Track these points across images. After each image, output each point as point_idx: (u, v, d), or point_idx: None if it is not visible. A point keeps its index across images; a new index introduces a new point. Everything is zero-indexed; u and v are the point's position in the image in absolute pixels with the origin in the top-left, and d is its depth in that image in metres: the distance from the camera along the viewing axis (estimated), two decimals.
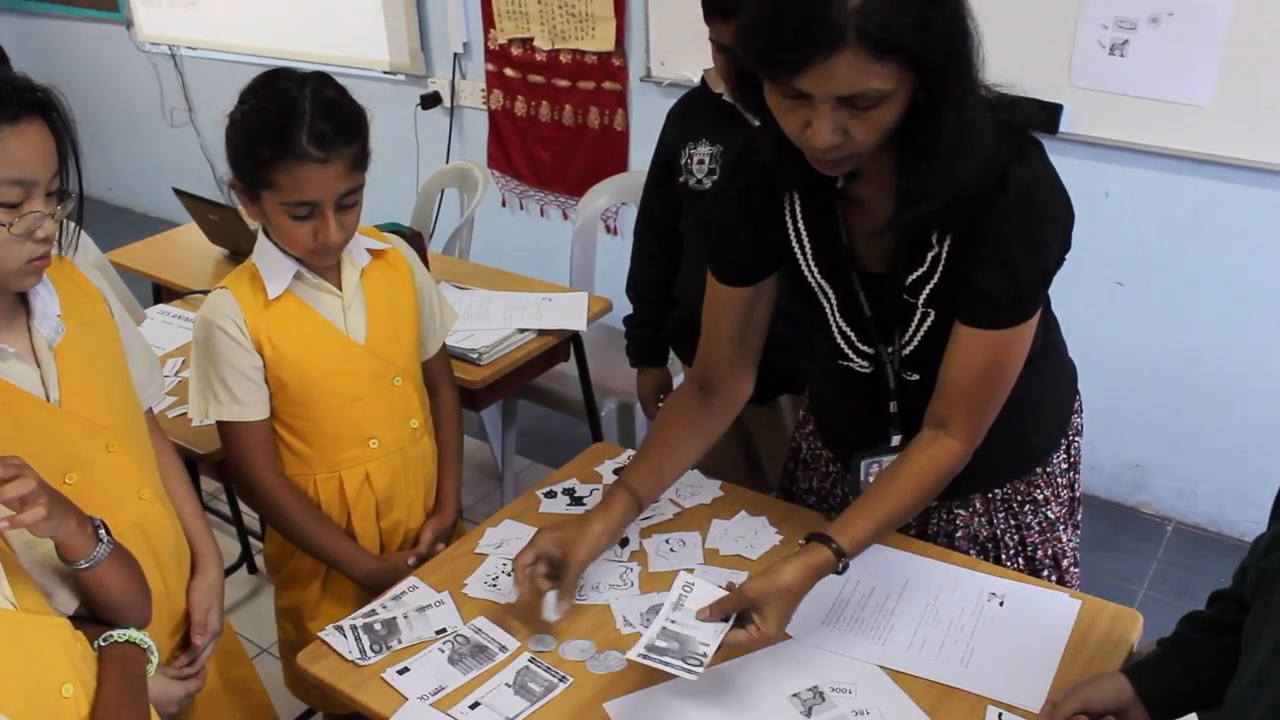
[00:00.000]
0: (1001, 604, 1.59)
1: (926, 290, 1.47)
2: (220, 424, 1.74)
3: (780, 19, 1.21)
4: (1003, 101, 1.36)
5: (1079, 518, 1.79)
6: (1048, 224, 1.39)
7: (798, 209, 1.54)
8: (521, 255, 3.96)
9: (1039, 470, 1.69)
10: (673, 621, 1.40)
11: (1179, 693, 1.32)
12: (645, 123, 3.80)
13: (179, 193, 2.95)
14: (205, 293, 2.69)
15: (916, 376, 1.56)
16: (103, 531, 1.26)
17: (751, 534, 1.76)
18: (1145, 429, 3.14)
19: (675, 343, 2.33)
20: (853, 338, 1.57)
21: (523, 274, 2.87)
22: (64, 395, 1.38)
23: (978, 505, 1.70)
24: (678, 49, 3.60)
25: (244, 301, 1.68)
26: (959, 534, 1.72)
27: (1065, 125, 2.90)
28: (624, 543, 1.74)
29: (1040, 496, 1.70)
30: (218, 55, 4.92)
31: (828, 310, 1.58)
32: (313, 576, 1.85)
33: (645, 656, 1.34)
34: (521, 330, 2.48)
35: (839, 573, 1.45)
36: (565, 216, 4.17)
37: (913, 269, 1.47)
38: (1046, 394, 1.67)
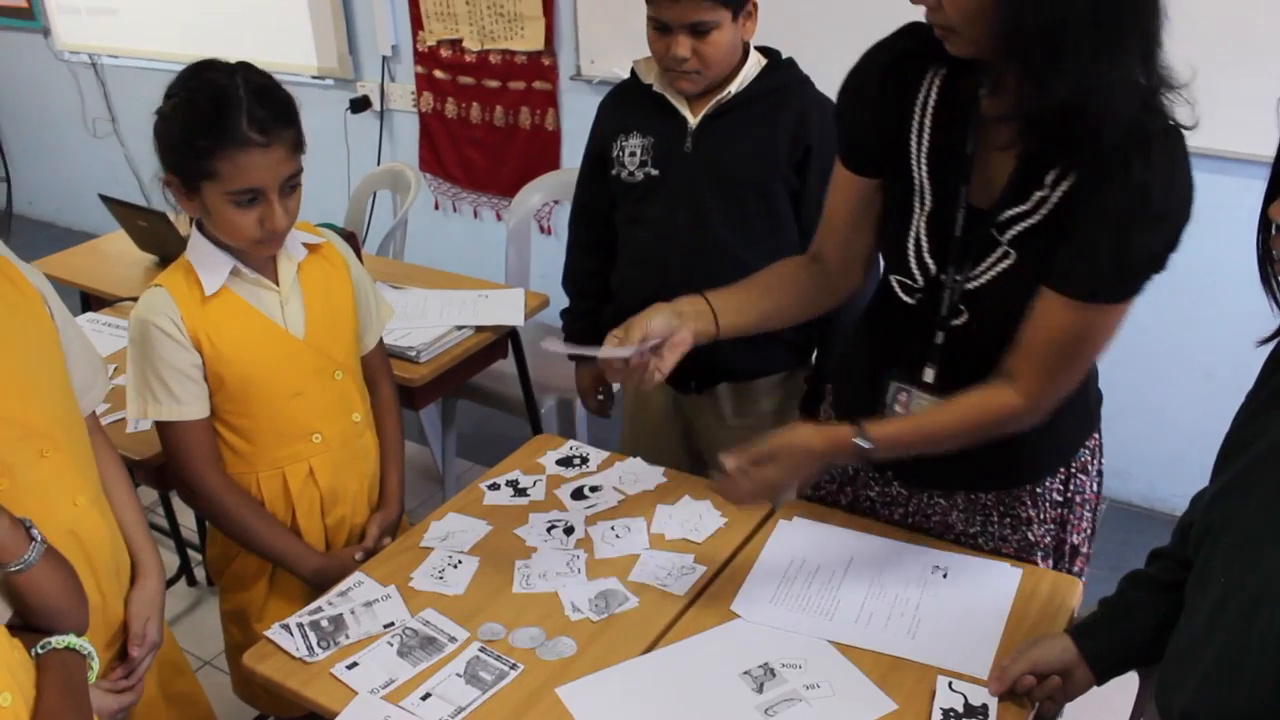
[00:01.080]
0: (945, 576, 1.62)
1: (1018, 229, 1.41)
2: (159, 425, 1.71)
3: None
4: (1164, 84, 1.30)
5: (1073, 568, 1.69)
6: (1174, 211, 1.32)
7: (930, 101, 1.48)
8: (456, 257, 3.95)
9: (1028, 487, 1.64)
10: None
11: (1121, 651, 1.36)
12: (576, 121, 3.80)
13: (106, 199, 2.90)
14: (136, 299, 2.67)
15: (965, 317, 1.49)
16: (35, 532, 1.23)
17: (696, 518, 1.77)
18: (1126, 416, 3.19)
19: None
20: (925, 252, 1.50)
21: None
22: None
23: (959, 500, 1.67)
24: (607, 47, 3.61)
25: (180, 299, 1.66)
26: (935, 519, 1.71)
27: None
28: (569, 531, 1.74)
29: (1024, 515, 1.65)
30: (140, 63, 4.84)
31: (916, 213, 1.50)
32: (258, 577, 1.82)
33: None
34: (459, 327, 2.47)
35: (861, 451, 1.45)
36: (499, 218, 4.16)
37: (1013, 204, 1.41)
38: (1060, 410, 1.51)
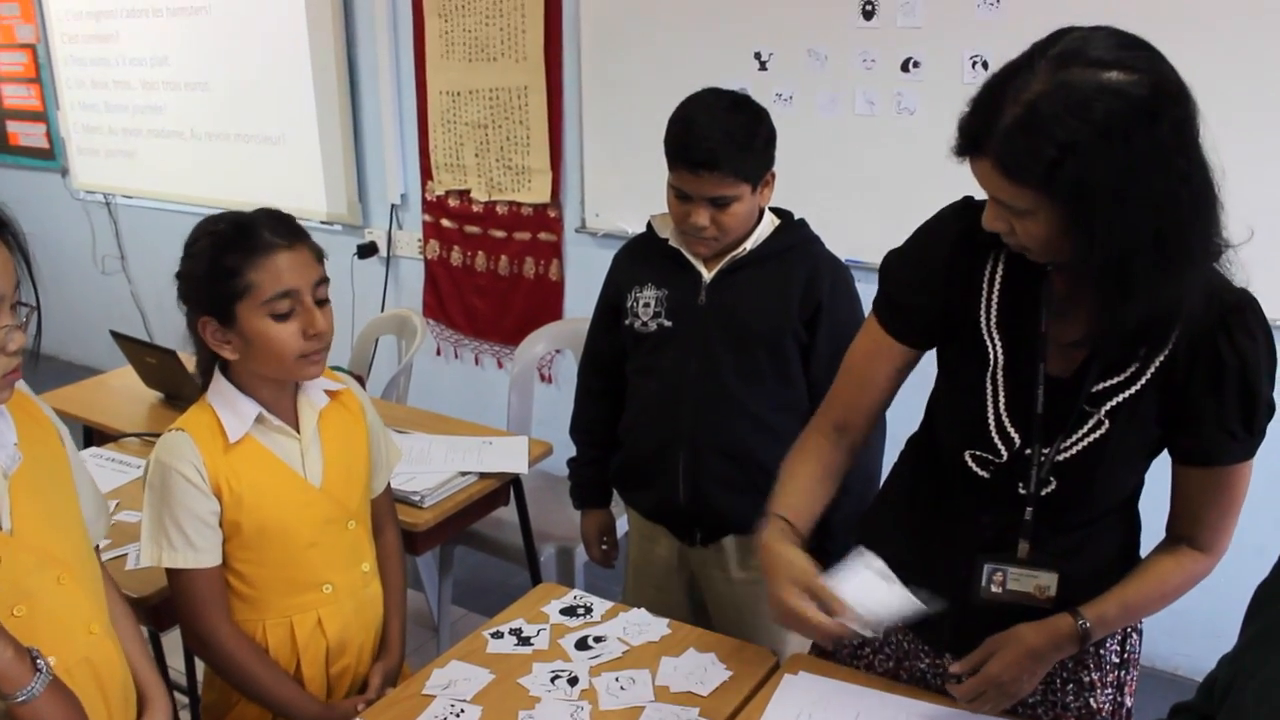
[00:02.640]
0: None
1: (1115, 401, 1.44)
2: (171, 571, 1.71)
3: (975, 102, 1.31)
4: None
5: None
6: (1271, 354, 1.41)
7: (998, 278, 1.51)
8: (457, 403, 3.99)
9: (1091, 650, 1.61)
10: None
11: None
12: (580, 272, 3.90)
13: (117, 335, 2.95)
14: (140, 435, 2.70)
15: (1053, 486, 1.49)
16: (41, 662, 1.23)
17: (701, 670, 1.77)
18: None
19: (620, 484, 2.34)
20: (1007, 425, 1.50)
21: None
22: (16, 524, 1.37)
23: (1024, 686, 1.58)
24: (612, 201, 3.73)
25: (203, 444, 1.68)
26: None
27: None
28: (573, 681, 1.73)
29: (1087, 680, 1.63)
30: (153, 204, 4.96)
31: (990, 391, 1.51)
32: None
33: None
34: (463, 473, 2.49)
35: (1080, 640, 1.49)
36: (500, 365, 4.21)
37: (1106, 378, 1.44)
38: (1118, 557, 1.58)
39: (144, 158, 4.98)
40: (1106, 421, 1.45)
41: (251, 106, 4.52)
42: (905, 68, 3.08)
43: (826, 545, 2.14)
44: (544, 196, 3.88)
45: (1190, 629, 2.87)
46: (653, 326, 2.13)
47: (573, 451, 2.43)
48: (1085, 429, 1.46)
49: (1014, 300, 1.49)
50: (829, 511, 2.15)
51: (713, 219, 1.99)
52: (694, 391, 2.08)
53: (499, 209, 4.00)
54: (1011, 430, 1.50)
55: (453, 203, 4.10)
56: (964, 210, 1.53)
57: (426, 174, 4.13)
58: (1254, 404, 1.40)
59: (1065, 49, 1.26)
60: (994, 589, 1.55)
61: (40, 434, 1.46)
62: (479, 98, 3.90)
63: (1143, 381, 1.43)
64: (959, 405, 1.56)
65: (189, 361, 2.65)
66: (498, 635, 1.87)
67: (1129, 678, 1.67)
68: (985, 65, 2.95)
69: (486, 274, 4.12)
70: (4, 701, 1.21)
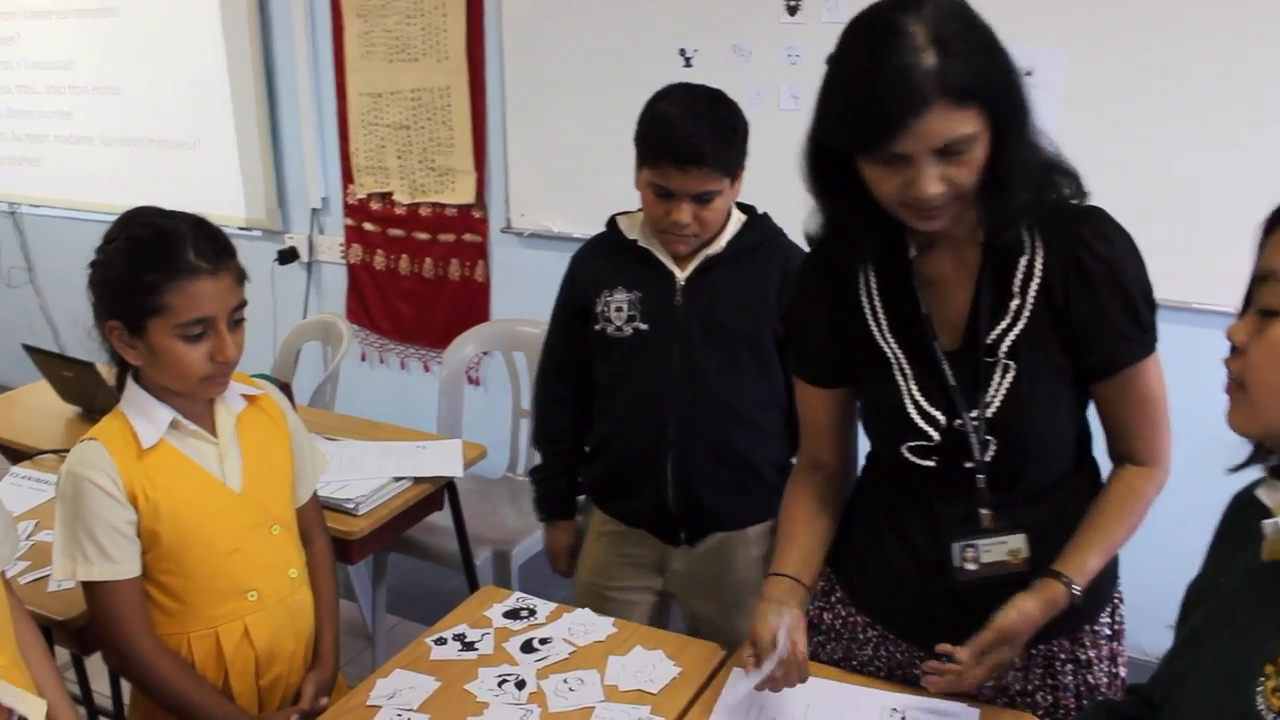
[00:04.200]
0: (903, 718, 1.59)
1: (1010, 340, 1.48)
2: (88, 585, 1.63)
3: (867, 95, 1.31)
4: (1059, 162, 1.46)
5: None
6: (1132, 252, 1.46)
7: (873, 287, 1.57)
8: (385, 409, 3.91)
9: (1086, 627, 1.62)
10: None
11: None
12: (507, 273, 3.86)
13: (30, 349, 2.83)
14: (58, 452, 2.60)
15: (994, 448, 1.51)
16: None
17: (650, 668, 1.73)
18: None
19: (599, 493, 2.26)
20: (926, 406, 1.53)
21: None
22: None
23: (1016, 660, 1.57)
24: (538, 200, 3.69)
25: (116, 452, 1.61)
26: (988, 683, 1.60)
27: None
28: (520, 685, 1.69)
29: (1084, 657, 1.62)
30: (62, 213, 4.80)
31: (901, 384, 1.55)
32: None
33: None
34: (397, 478, 2.43)
35: (1074, 602, 1.47)
36: (427, 369, 4.15)
37: (995, 323, 1.49)
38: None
39: (51, 165, 4.82)
40: (1012, 364, 1.49)
41: (165, 110, 4.39)
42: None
43: None
44: (468, 197, 3.82)
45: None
46: (628, 330, 2.08)
47: (505, 459, 2.37)
48: (997, 379, 1.50)
49: (892, 302, 1.56)
50: None
51: (695, 215, 1.96)
52: (678, 393, 2.03)
53: (423, 211, 3.93)
54: (933, 410, 1.53)
55: (375, 206, 4.03)
56: (819, 251, 1.62)
57: (348, 177, 4.05)
58: (1131, 301, 1.44)
59: (898, 4, 1.32)
60: (969, 566, 1.54)
61: None
62: (401, 99, 3.84)
63: (1027, 313, 1.47)
64: (880, 410, 1.60)
65: (108, 374, 2.58)
66: (441, 641, 1.82)
67: (1120, 648, 1.67)
68: None
69: (411, 277, 4.05)
70: None
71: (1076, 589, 1.47)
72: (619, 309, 2.08)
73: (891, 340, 1.56)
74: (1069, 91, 2.83)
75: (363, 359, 4.25)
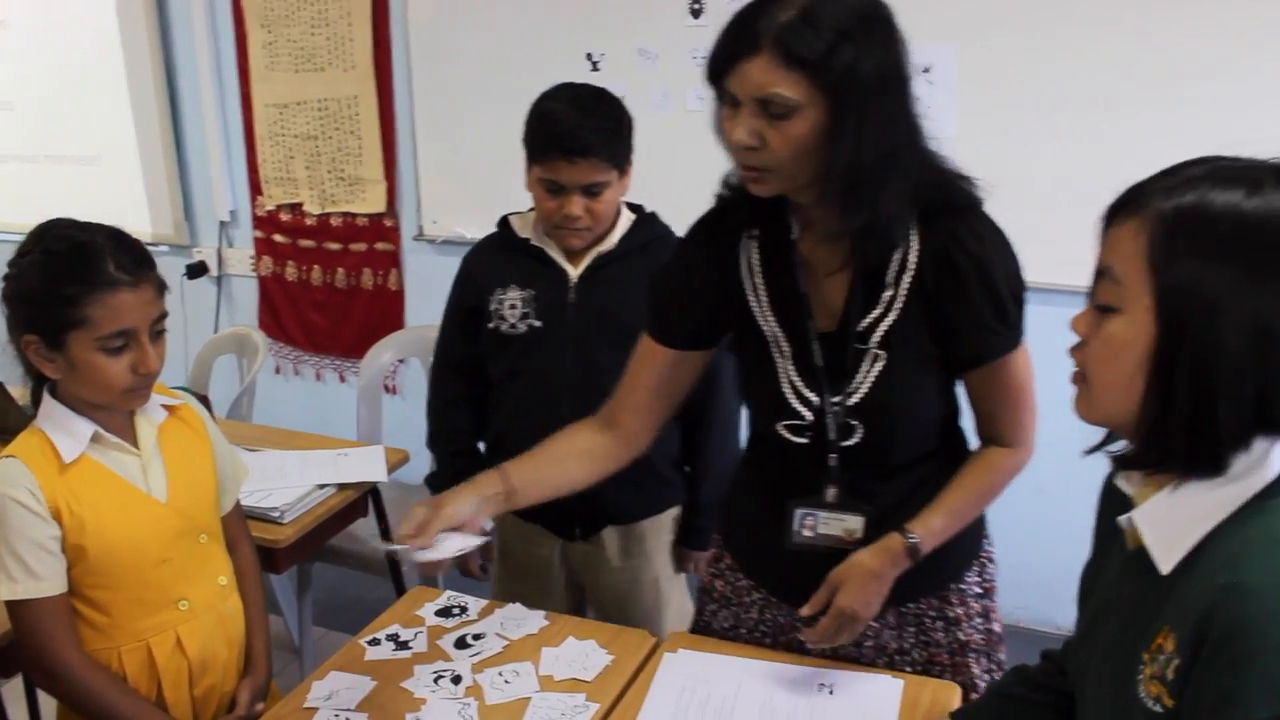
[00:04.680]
0: (832, 692, 1.65)
1: (881, 330, 1.54)
2: (13, 605, 1.61)
3: (726, 29, 1.41)
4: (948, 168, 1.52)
5: (1001, 657, 1.76)
6: (1008, 250, 1.53)
7: (755, 264, 1.61)
8: (302, 420, 3.86)
9: (952, 585, 1.71)
10: None
11: None
12: (420, 281, 3.86)
13: None
14: None
15: (860, 435, 1.57)
16: None
17: (583, 657, 1.77)
18: None
19: None
20: (801, 388, 1.59)
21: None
22: None
23: (890, 618, 1.70)
24: (449, 207, 3.71)
25: (36, 468, 1.59)
26: (868, 643, 1.72)
27: None
28: (457, 680, 1.72)
29: (953, 615, 1.71)
30: None
31: (779, 363, 1.61)
32: None
33: None
34: (321, 486, 2.43)
35: (911, 555, 1.55)
36: (342, 379, 4.13)
37: (867, 312, 1.54)
38: None
39: None
40: (883, 353, 1.55)
41: (63, 125, 4.29)
42: None
43: (696, 523, 2.20)
44: (379, 206, 3.82)
45: (1024, 583, 3.02)
46: (521, 328, 2.10)
47: (428, 465, 2.36)
48: (866, 366, 1.56)
49: (774, 281, 1.61)
50: (695, 493, 2.19)
51: (586, 208, 2.00)
52: (572, 390, 2.05)
53: (333, 221, 3.92)
54: (807, 392, 1.59)
55: (285, 217, 3.99)
56: (703, 225, 1.67)
57: (256, 189, 4.01)
58: (999, 298, 1.50)
59: None
60: (805, 533, 1.63)
61: None
62: (307, 109, 3.82)
63: (899, 304, 1.53)
64: (758, 387, 1.65)
65: (19, 393, 2.53)
66: (374, 642, 1.84)
67: (993, 605, 1.76)
68: None
69: (323, 287, 4.02)
70: None
71: (913, 538, 1.56)
72: (512, 306, 2.11)
73: (771, 319, 1.61)
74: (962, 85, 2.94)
75: (277, 371, 4.21)
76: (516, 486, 1.66)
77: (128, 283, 1.56)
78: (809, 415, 1.59)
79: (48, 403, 1.65)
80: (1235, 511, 1.01)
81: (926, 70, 2.92)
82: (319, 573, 3.02)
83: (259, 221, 4.06)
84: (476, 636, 1.84)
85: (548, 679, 1.72)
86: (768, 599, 1.77)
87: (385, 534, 2.69)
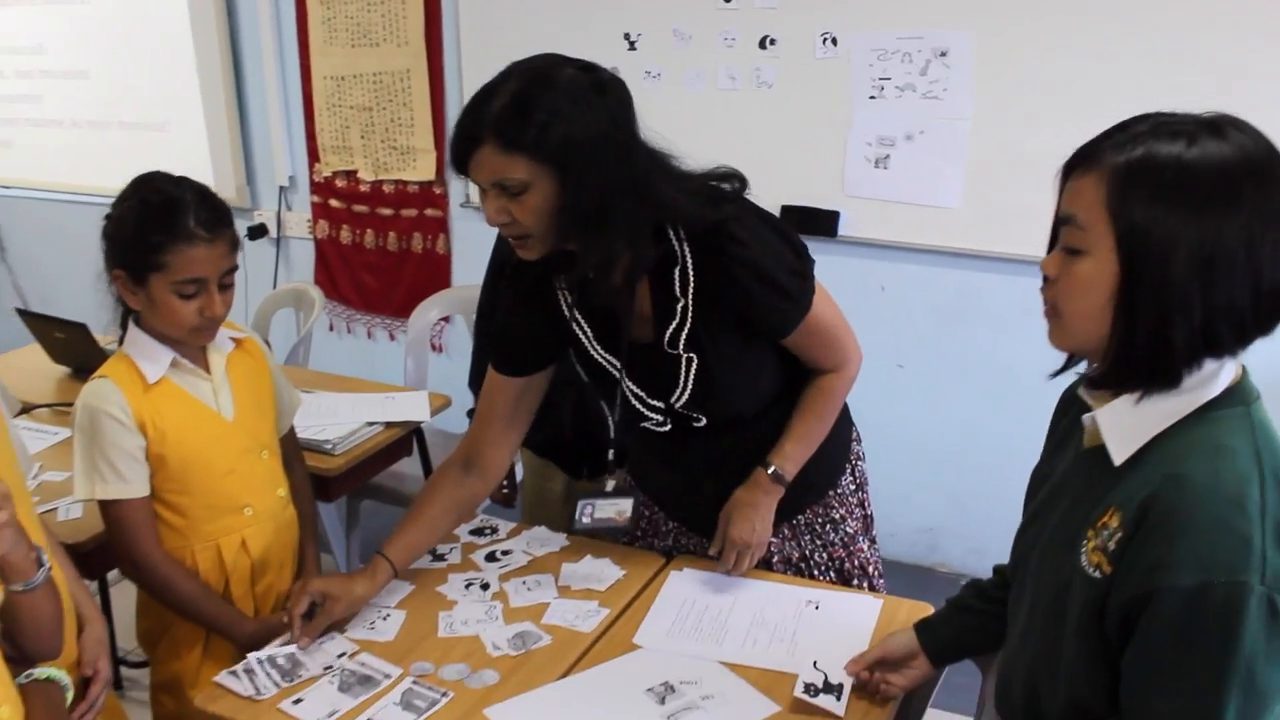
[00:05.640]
0: (817, 608, 1.86)
1: (683, 337, 1.76)
2: (104, 505, 1.85)
3: (456, 126, 1.60)
4: (712, 179, 1.74)
5: (874, 534, 2.08)
6: (768, 237, 1.74)
7: (570, 303, 1.83)
8: (352, 374, 4.12)
9: (831, 493, 2.00)
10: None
11: (954, 645, 1.64)
12: (467, 245, 4.08)
13: (23, 313, 3.03)
14: (52, 406, 2.80)
15: (702, 420, 1.86)
16: (44, 557, 1.38)
17: (599, 571, 1.98)
18: (934, 495, 3.53)
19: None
20: (644, 396, 1.85)
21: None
22: None
23: (785, 532, 1.99)
24: None
25: (125, 387, 1.83)
26: (775, 560, 2.00)
27: (843, 230, 3.33)
28: (485, 586, 1.94)
29: (837, 515, 2.01)
30: (35, 194, 4.96)
31: (623, 384, 1.85)
32: (193, 643, 1.95)
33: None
34: (370, 423, 2.67)
35: (777, 480, 1.87)
36: (392, 338, 4.37)
37: (667, 325, 1.76)
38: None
39: (21, 147, 4.96)
40: (695, 355, 1.78)
41: (134, 94, 4.57)
42: (763, 45, 3.35)
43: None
44: (429, 174, 4.05)
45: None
46: None
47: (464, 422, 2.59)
48: (683, 370, 1.79)
49: (592, 313, 1.83)
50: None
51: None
52: None
53: (386, 188, 4.15)
54: (651, 399, 1.85)
55: (340, 183, 4.24)
56: (514, 278, 1.85)
57: (314, 156, 4.26)
58: (776, 282, 1.72)
59: (529, 64, 1.60)
60: (585, 520, 1.94)
61: None
62: (363, 81, 4.05)
63: (692, 312, 1.75)
64: (610, 397, 1.90)
65: (100, 337, 2.79)
66: None
67: (866, 496, 2.08)
68: (835, 42, 3.23)
69: (375, 250, 4.27)
70: (9, 588, 1.36)
71: (771, 468, 1.87)
72: None
73: (600, 350, 1.84)
74: (979, 71, 3.10)
75: (330, 329, 4.46)
76: (399, 564, 1.89)
77: (204, 238, 1.78)
78: (658, 416, 1.87)
79: (133, 331, 1.88)
80: (1183, 418, 1.18)
81: (943, 55, 3.10)
82: (367, 517, 3.25)
83: (316, 187, 4.30)
84: (505, 552, 2.06)
85: (565, 588, 1.94)
86: (680, 528, 2.07)
87: (428, 472, 2.91)
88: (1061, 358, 1.33)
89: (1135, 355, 1.16)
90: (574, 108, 1.55)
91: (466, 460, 1.94)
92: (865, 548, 2.04)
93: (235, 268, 1.86)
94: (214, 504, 1.92)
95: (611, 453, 1.91)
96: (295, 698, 1.65)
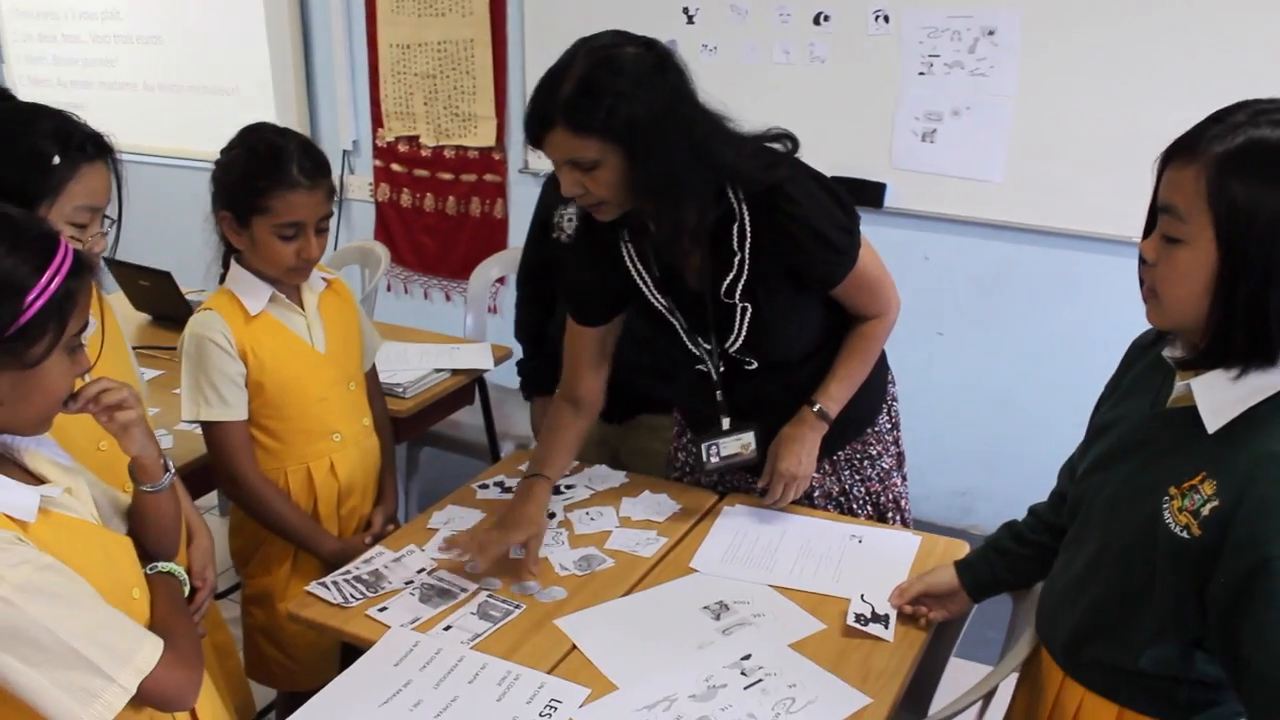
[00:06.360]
0: (860, 542, 2.00)
1: (740, 288, 1.89)
2: (207, 426, 2.02)
3: (528, 107, 1.74)
4: (767, 140, 1.86)
5: (906, 470, 2.24)
6: (820, 197, 1.86)
7: (634, 256, 1.97)
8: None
9: (869, 430, 2.16)
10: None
11: (992, 581, 1.76)
12: (523, 210, 4.19)
13: (109, 260, 3.20)
14: (136, 349, 2.96)
15: (754, 364, 2.01)
16: (169, 463, 1.54)
17: (656, 505, 2.13)
18: (969, 459, 3.66)
19: (555, 375, 2.66)
20: (700, 341, 2.00)
21: None
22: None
23: (827, 468, 2.14)
24: None
25: (229, 318, 1.99)
26: (816, 494, 2.15)
27: (889, 201, 3.46)
28: (551, 515, 2.09)
29: (874, 452, 2.17)
30: None
31: (679, 327, 2.00)
32: (283, 559, 2.12)
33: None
34: (437, 370, 2.83)
35: (822, 417, 2.01)
36: (448, 299, 4.53)
37: (724, 277, 1.89)
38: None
39: (95, 110, 5.06)
40: (749, 305, 1.91)
41: (205, 59, 4.76)
42: (817, 21, 3.47)
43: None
44: (489, 141, 4.20)
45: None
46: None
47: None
48: (738, 318, 1.93)
49: (651, 267, 1.96)
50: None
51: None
52: None
53: (446, 153, 4.31)
54: (704, 343, 1.99)
55: (402, 148, 4.40)
56: (582, 234, 2.01)
57: (377, 121, 4.42)
58: (826, 237, 1.86)
59: (593, 44, 1.72)
60: (714, 459, 2.08)
61: (113, 330, 1.79)
62: (428, 50, 4.20)
63: (749, 264, 1.88)
64: (671, 345, 2.03)
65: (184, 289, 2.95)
66: (484, 487, 2.22)
67: (899, 434, 2.24)
68: (886, 19, 3.34)
69: (435, 214, 4.43)
70: (140, 487, 1.52)
71: (817, 405, 2.02)
72: (570, 220, 2.47)
73: (661, 299, 1.98)
74: (1025, 50, 3.20)
75: (388, 289, 4.63)
76: (557, 476, 2.08)
77: (305, 186, 1.94)
78: (711, 361, 2.02)
79: (235, 269, 2.04)
80: (1274, 395, 1.22)
81: (991, 34, 3.21)
82: (425, 459, 3.42)
83: (378, 152, 4.46)
84: (568, 486, 2.21)
85: (626, 519, 2.09)
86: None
87: (489, 420, 3.07)
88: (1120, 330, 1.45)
89: (1234, 336, 1.21)
90: (637, 88, 1.67)
91: (570, 398, 2.11)
92: (899, 483, 2.20)
93: (331, 214, 2.02)
94: (306, 429, 2.08)
95: (720, 394, 2.05)
96: (380, 606, 1.81)
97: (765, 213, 1.85)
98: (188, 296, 3.07)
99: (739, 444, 2.07)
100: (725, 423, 2.07)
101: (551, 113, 1.69)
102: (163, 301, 3.13)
